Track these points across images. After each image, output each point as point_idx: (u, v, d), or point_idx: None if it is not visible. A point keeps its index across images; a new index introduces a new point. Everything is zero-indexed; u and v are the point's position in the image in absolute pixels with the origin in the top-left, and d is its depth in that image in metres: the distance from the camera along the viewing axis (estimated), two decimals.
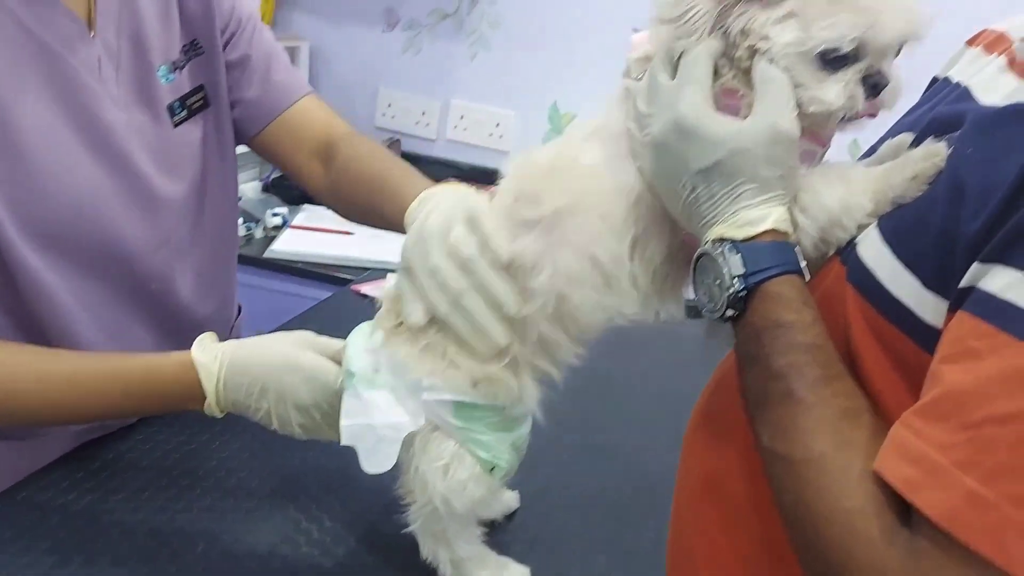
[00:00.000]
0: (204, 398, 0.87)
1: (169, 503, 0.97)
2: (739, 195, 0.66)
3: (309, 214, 2.15)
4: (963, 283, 0.55)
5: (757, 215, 0.66)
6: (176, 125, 1.04)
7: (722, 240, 0.66)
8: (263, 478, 1.03)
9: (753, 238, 0.66)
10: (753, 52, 0.66)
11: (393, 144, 2.36)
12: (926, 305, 0.58)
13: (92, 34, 0.96)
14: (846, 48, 0.64)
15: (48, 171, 0.92)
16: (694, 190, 0.67)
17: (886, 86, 0.67)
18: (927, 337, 0.57)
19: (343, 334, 0.93)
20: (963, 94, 0.71)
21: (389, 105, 2.41)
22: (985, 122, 0.61)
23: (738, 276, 0.64)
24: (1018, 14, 0.80)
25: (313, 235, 2.04)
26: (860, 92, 0.66)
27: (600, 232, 0.72)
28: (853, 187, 0.66)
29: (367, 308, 1.73)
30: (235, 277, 1.26)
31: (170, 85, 1.03)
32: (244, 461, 1.06)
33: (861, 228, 0.66)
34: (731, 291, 0.64)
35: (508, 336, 0.78)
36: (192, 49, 1.06)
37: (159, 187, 1.03)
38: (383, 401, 0.80)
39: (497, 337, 0.78)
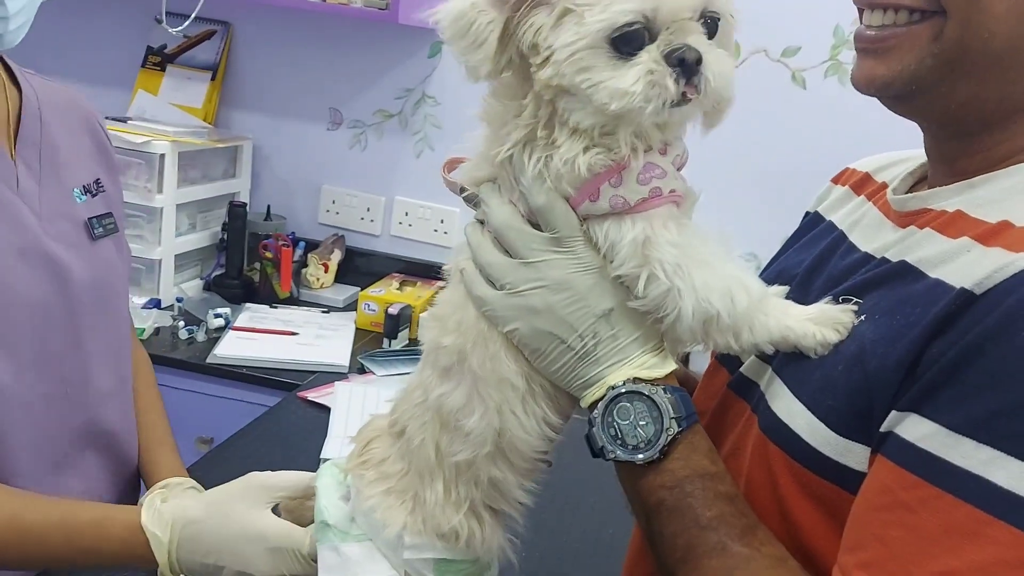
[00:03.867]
0: (155, 563, 0.86)
1: None
2: (638, 336, 0.66)
3: (252, 314, 2.10)
4: (883, 427, 0.56)
5: (656, 359, 0.66)
6: (95, 240, 1.09)
7: (641, 381, 0.64)
8: None
9: (661, 380, 0.65)
10: (558, 88, 0.63)
11: (337, 240, 2.35)
12: (851, 454, 0.58)
13: (12, 157, 1.01)
14: (630, 27, 0.59)
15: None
16: (595, 335, 0.65)
17: (697, 60, 0.60)
18: (858, 482, 0.58)
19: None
20: (839, 240, 0.73)
21: (333, 202, 2.40)
22: (887, 294, 0.62)
23: (675, 418, 0.63)
24: (873, 153, 0.83)
25: (256, 336, 1.99)
26: (667, 72, 0.60)
27: (496, 354, 0.70)
28: (771, 311, 0.65)
29: (313, 415, 1.68)
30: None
31: (84, 205, 1.09)
32: None
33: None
34: (669, 432, 0.63)
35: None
36: (98, 185, 1.13)
37: (88, 298, 1.06)
38: (363, 555, 0.76)
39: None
